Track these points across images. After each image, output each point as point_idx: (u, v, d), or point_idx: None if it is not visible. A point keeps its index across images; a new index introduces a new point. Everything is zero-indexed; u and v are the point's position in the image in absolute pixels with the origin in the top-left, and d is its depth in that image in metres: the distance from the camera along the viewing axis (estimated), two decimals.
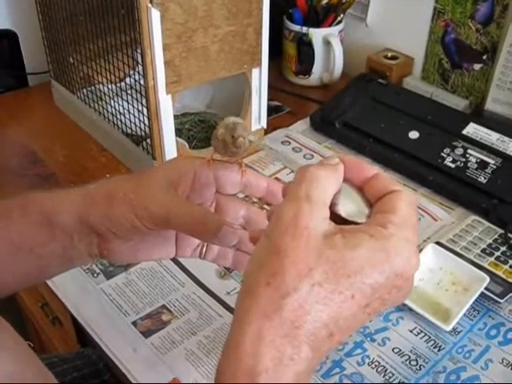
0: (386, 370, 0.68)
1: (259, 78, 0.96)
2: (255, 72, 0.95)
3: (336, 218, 0.40)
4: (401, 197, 0.40)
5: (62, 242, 0.52)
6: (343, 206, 0.41)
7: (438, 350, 0.71)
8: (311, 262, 0.36)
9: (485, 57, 1.11)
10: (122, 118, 0.96)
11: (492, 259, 0.80)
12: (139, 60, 0.84)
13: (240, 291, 0.39)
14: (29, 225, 0.52)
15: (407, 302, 0.74)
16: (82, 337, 0.93)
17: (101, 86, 1.01)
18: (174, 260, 0.82)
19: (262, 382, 0.35)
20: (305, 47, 1.23)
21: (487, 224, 0.87)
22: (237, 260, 0.58)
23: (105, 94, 1.00)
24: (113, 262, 0.81)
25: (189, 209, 0.50)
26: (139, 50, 0.83)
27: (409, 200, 0.40)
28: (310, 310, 0.36)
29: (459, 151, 0.96)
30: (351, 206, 0.41)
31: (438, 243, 0.81)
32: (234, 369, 0.36)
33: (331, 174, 0.40)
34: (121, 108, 0.96)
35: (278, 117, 1.17)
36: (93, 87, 1.04)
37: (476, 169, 0.93)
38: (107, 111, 1.01)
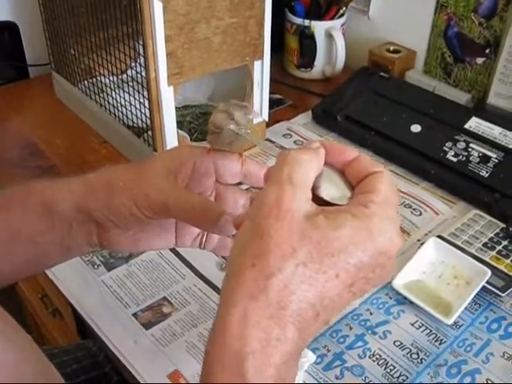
0: (387, 363, 0.68)
1: (261, 71, 0.96)
2: (257, 64, 0.95)
3: (318, 201, 0.40)
4: (381, 177, 0.41)
5: (61, 231, 0.52)
6: (325, 189, 0.42)
7: (439, 344, 0.71)
8: (295, 243, 0.37)
9: (487, 51, 1.10)
10: (124, 109, 0.96)
11: (494, 253, 0.80)
12: (141, 52, 0.83)
13: (225, 274, 0.39)
14: (28, 214, 0.52)
15: (408, 295, 0.74)
16: (82, 329, 0.93)
17: (102, 77, 1.01)
18: (175, 252, 0.82)
19: (249, 364, 0.35)
20: (307, 40, 1.22)
21: (489, 218, 0.86)
22: None
23: (106, 85, 1.00)
24: (112, 252, 0.81)
25: (188, 197, 0.50)
26: (141, 42, 0.82)
27: (389, 180, 0.41)
28: (295, 290, 0.36)
29: (461, 145, 0.96)
30: (333, 189, 0.42)
31: (439, 237, 0.81)
32: (221, 352, 0.36)
33: (313, 158, 0.41)
34: (122, 100, 0.96)
35: (279, 110, 1.17)
36: (94, 79, 1.04)
37: (478, 163, 0.93)
38: (108, 103, 1.00)
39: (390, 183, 0.41)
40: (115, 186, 0.51)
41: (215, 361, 0.37)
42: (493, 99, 1.09)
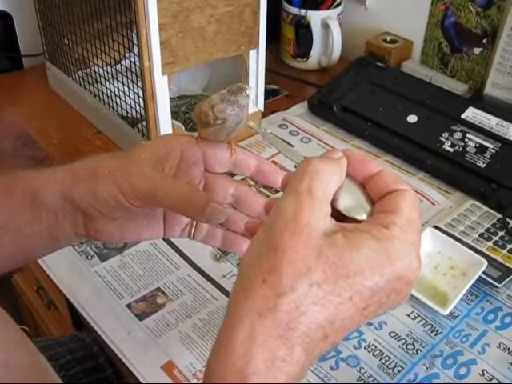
0: (382, 354, 0.68)
1: (256, 60, 0.95)
2: (252, 54, 0.94)
3: (335, 213, 0.39)
4: (405, 197, 0.39)
5: (47, 221, 0.51)
6: (343, 202, 0.40)
7: (435, 335, 0.70)
8: (310, 261, 0.35)
9: (485, 40, 1.10)
10: (118, 100, 0.95)
11: (490, 244, 0.79)
12: (135, 41, 0.82)
13: (234, 286, 0.38)
14: (14, 204, 0.51)
15: None
16: (77, 320, 0.93)
17: (96, 68, 1.00)
18: (170, 243, 0.81)
19: (252, 383, 0.34)
20: (303, 30, 1.21)
21: (485, 209, 0.86)
22: (226, 240, 0.57)
23: (100, 75, 0.99)
24: (106, 242, 0.81)
25: (175, 185, 0.49)
26: (135, 31, 0.81)
27: (413, 200, 0.39)
28: (306, 311, 0.35)
29: (458, 135, 0.96)
30: (351, 202, 0.40)
31: (436, 227, 0.80)
32: (224, 369, 0.35)
33: (335, 169, 0.39)
34: (116, 90, 0.95)
35: (275, 100, 1.16)
36: (88, 69, 1.03)
37: (475, 153, 0.93)
38: (102, 93, 0.99)
39: (413, 204, 0.39)
40: (100, 174, 0.50)
41: (217, 377, 0.35)
42: (490, 89, 1.08)
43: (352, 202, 0.40)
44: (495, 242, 0.80)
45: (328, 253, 0.35)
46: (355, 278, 0.35)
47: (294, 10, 1.20)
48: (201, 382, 0.64)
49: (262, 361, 0.34)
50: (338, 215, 0.39)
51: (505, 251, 0.78)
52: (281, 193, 0.40)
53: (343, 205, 0.40)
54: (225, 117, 0.49)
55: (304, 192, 0.37)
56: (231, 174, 0.55)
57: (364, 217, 0.40)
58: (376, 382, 0.65)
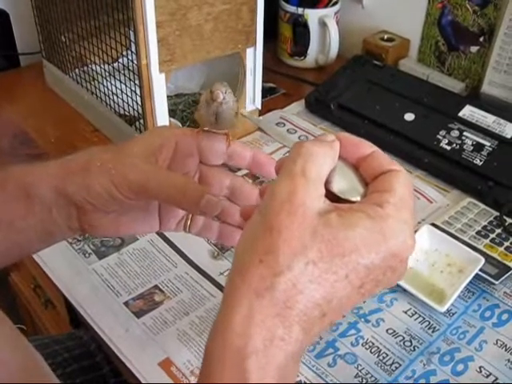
0: (379, 351, 0.68)
1: (254, 58, 0.95)
2: (250, 52, 0.94)
3: (329, 195, 0.39)
4: (398, 176, 0.39)
5: (41, 215, 0.51)
6: (337, 184, 0.40)
7: (433, 332, 0.70)
8: (306, 240, 0.35)
9: (482, 39, 1.10)
10: (115, 98, 0.95)
11: (487, 241, 0.80)
12: (132, 39, 0.82)
13: (231, 269, 0.38)
14: (7, 199, 0.51)
15: (401, 283, 0.73)
16: (75, 319, 0.93)
17: (94, 65, 1.00)
18: (167, 240, 0.81)
19: (251, 363, 0.34)
20: (300, 28, 1.21)
21: (482, 206, 0.86)
22: (222, 233, 0.57)
23: (98, 73, 0.99)
24: (97, 239, 0.80)
25: (169, 177, 0.49)
26: (133, 29, 0.81)
27: (406, 180, 0.39)
28: (303, 290, 0.35)
29: (455, 133, 0.96)
30: (345, 184, 0.40)
31: (433, 225, 0.80)
32: (223, 350, 0.35)
33: (327, 151, 0.39)
34: (114, 88, 0.95)
35: (272, 98, 1.16)
36: (85, 67, 1.03)
37: (472, 151, 0.93)
38: (100, 91, 0.99)
39: (406, 183, 0.39)
40: (93, 167, 0.49)
41: (216, 358, 0.36)
42: (487, 88, 1.08)
43: (346, 183, 0.41)
44: (492, 240, 0.80)
45: (323, 232, 0.36)
46: (351, 256, 0.36)
47: (292, 9, 1.20)
48: None
49: (261, 340, 0.35)
50: (331, 197, 0.39)
51: (502, 248, 0.78)
52: None
53: (337, 187, 0.40)
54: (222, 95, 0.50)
55: (298, 173, 0.37)
56: (226, 167, 0.55)
57: (358, 198, 0.40)
58: (373, 378, 0.65)
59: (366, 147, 0.41)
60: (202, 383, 0.36)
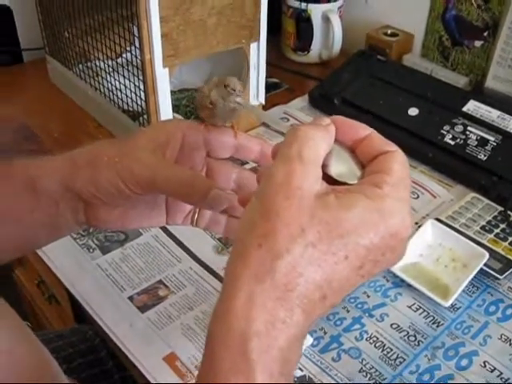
0: (384, 346, 0.68)
1: (257, 53, 0.95)
2: (253, 47, 0.94)
3: (326, 178, 0.39)
4: (395, 157, 0.39)
5: (48, 209, 0.51)
6: (334, 167, 0.40)
7: (437, 326, 0.70)
8: (304, 223, 0.35)
9: (486, 33, 1.09)
10: (119, 93, 0.95)
11: (491, 236, 0.79)
12: (136, 34, 0.82)
13: (230, 255, 0.38)
14: (14, 193, 0.51)
15: (406, 277, 0.74)
16: (79, 314, 0.93)
17: (97, 61, 1.00)
18: (171, 235, 0.81)
19: (253, 345, 0.34)
20: (304, 24, 1.21)
21: (487, 201, 0.86)
22: (230, 227, 0.56)
23: (101, 69, 0.99)
24: (101, 234, 0.81)
25: (176, 171, 0.49)
26: (136, 24, 0.81)
27: (403, 160, 0.39)
28: (303, 272, 0.35)
29: (459, 128, 0.95)
30: (342, 167, 0.40)
31: (437, 220, 0.80)
32: (226, 333, 0.35)
33: (323, 134, 0.39)
34: (117, 83, 0.95)
35: (276, 94, 1.16)
36: (89, 63, 1.02)
37: (476, 146, 0.93)
38: (103, 87, 0.99)
39: (403, 163, 0.39)
40: (99, 161, 0.49)
41: (218, 341, 0.36)
42: (491, 82, 1.08)
43: (342, 166, 0.40)
44: (496, 235, 0.80)
45: (321, 214, 0.36)
46: (350, 237, 0.35)
47: (295, 4, 1.20)
48: None
49: (263, 323, 0.35)
50: (329, 180, 0.39)
51: (506, 243, 0.78)
52: None
53: (334, 170, 0.40)
54: (214, 101, 0.49)
55: (294, 157, 0.37)
56: (233, 160, 0.55)
57: (355, 181, 0.40)
58: (378, 373, 0.65)
59: (362, 129, 0.41)
60: (206, 367, 0.36)
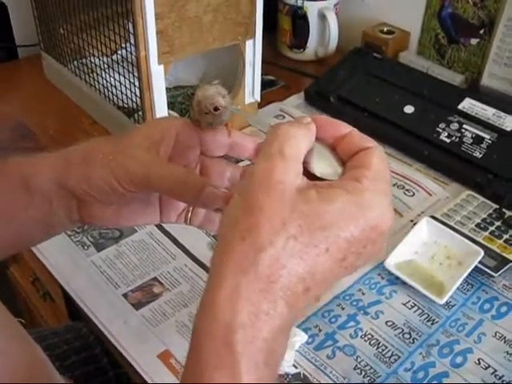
0: (378, 343, 0.68)
1: (253, 50, 0.95)
2: (249, 44, 0.94)
3: (308, 176, 0.40)
4: (374, 152, 0.40)
5: (41, 207, 0.51)
6: (315, 165, 0.41)
7: (432, 324, 0.70)
8: (286, 217, 0.36)
9: (482, 31, 1.09)
10: (114, 90, 0.95)
11: (486, 234, 0.79)
12: (131, 30, 0.82)
13: (215, 250, 0.38)
14: (8, 191, 0.51)
15: (401, 275, 0.74)
16: (73, 311, 0.92)
17: (92, 58, 0.99)
18: (166, 232, 0.81)
19: (238, 336, 0.35)
20: (300, 21, 1.21)
21: (482, 199, 0.86)
22: None
23: (96, 65, 0.99)
24: (95, 231, 0.80)
25: (170, 169, 0.49)
26: (131, 20, 0.81)
27: (381, 155, 0.40)
28: (286, 264, 0.36)
29: (455, 126, 0.95)
30: (323, 165, 0.41)
31: (432, 217, 0.80)
32: (211, 325, 0.36)
33: (304, 132, 0.40)
34: (112, 80, 0.94)
35: (272, 91, 1.16)
36: (84, 59, 1.02)
37: (471, 144, 0.93)
38: (99, 83, 0.99)
39: (381, 158, 0.40)
40: (93, 158, 0.49)
41: (204, 333, 0.36)
42: (487, 80, 1.08)
43: (324, 164, 0.41)
44: (491, 232, 0.80)
45: (302, 207, 0.36)
46: (330, 229, 0.36)
47: (291, 1, 1.20)
48: None
49: (247, 314, 0.35)
50: (310, 178, 0.40)
51: (501, 241, 0.78)
52: None
53: (315, 167, 0.41)
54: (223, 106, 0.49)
55: (275, 153, 0.38)
56: (228, 158, 0.54)
57: (336, 178, 0.41)
58: (372, 370, 0.65)
59: (343, 127, 0.42)
60: (192, 359, 0.37)
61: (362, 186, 0.38)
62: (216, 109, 0.48)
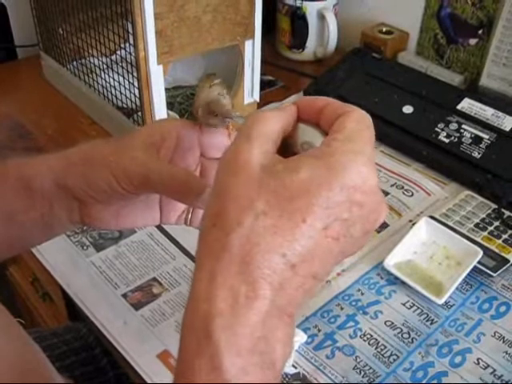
0: (378, 343, 0.68)
1: (252, 50, 0.95)
2: (248, 44, 0.94)
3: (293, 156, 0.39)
4: (350, 115, 0.38)
5: (41, 208, 0.51)
6: (302, 145, 0.40)
7: (431, 324, 0.70)
8: (252, 194, 0.35)
9: (480, 32, 1.09)
10: (113, 90, 0.95)
11: (485, 234, 0.80)
12: (130, 30, 0.82)
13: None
14: (7, 192, 0.51)
15: (400, 275, 0.74)
16: (73, 312, 0.93)
17: (91, 58, 1.00)
18: (165, 233, 0.81)
19: (216, 324, 0.33)
20: (299, 21, 1.21)
21: (481, 199, 0.86)
22: None
23: (95, 66, 0.99)
24: (101, 232, 0.80)
25: (170, 170, 0.49)
26: (131, 21, 0.81)
27: (358, 116, 0.38)
28: (259, 242, 0.34)
29: (453, 126, 0.96)
30: (307, 139, 0.40)
31: (431, 217, 0.80)
32: (191, 317, 0.35)
33: (275, 113, 0.38)
34: (111, 80, 0.94)
35: (271, 91, 1.16)
36: (83, 60, 1.02)
37: (470, 144, 0.93)
38: (98, 84, 0.99)
39: (359, 119, 0.38)
40: (93, 159, 0.49)
41: (185, 326, 0.35)
42: (485, 80, 1.08)
43: (307, 139, 0.41)
44: (490, 232, 0.80)
45: (269, 181, 0.35)
46: (302, 198, 0.34)
47: (290, 1, 1.20)
48: None
49: (224, 300, 0.34)
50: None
51: (500, 241, 0.78)
52: None
53: (299, 143, 0.40)
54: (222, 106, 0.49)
55: (242, 137, 0.37)
56: None
57: None
58: (372, 370, 0.65)
59: (320, 100, 0.40)
60: (178, 353, 0.36)
61: (331, 149, 0.36)
62: (227, 112, 0.48)
